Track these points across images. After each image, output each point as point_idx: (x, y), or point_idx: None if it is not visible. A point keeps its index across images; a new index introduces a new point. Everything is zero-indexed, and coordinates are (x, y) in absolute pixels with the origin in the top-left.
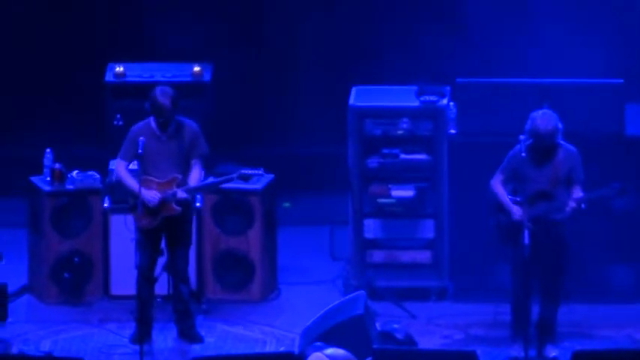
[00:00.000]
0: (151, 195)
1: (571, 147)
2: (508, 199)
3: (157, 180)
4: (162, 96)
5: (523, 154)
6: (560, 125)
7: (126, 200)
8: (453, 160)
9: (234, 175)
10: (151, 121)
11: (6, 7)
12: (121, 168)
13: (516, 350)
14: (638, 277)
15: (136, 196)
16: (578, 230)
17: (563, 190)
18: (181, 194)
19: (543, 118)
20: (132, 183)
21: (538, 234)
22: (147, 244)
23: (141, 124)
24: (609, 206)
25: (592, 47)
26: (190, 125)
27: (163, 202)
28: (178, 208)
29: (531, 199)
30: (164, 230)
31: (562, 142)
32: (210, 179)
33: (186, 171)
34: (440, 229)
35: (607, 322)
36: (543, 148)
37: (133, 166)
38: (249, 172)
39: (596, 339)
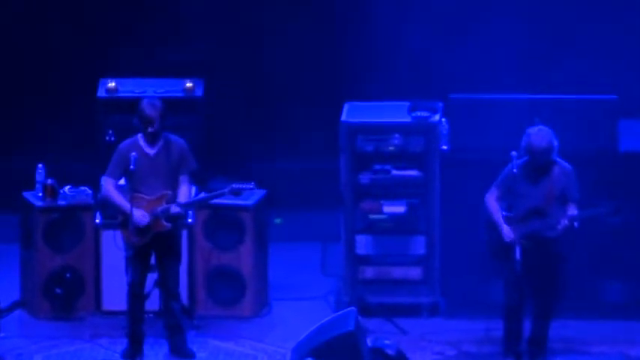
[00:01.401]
0: (140, 216)
1: (566, 164)
2: (501, 217)
3: (146, 197)
4: (150, 106)
5: (515, 171)
6: (555, 142)
7: (116, 216)
8: (445, 176)
9: (226, 190)
10: (139, 139)
11: None
12: (109, 186)
13: None
14: (631, 293)
15: (125, 213)
16: (571, 246)
17: (558, 208)
18: (175, 209)
19: (538, 135)
20: (121, 201)
21: (530, 251)
22: (137, 260)
23: (128, 141)
24: (603, 222)
25: (585, 63)
26: (178, 142)
27: (153, 219)
28: (168, 225)
29: (525, 216)
30: (154, 246)
31: (558, 159)
32: (202, 194)
33: (174, 187)
34: (431, 245)
35: (600, 339)
36: (538, 165)
37: (121, 182)
38: (241, 186)
39: (588, 355)
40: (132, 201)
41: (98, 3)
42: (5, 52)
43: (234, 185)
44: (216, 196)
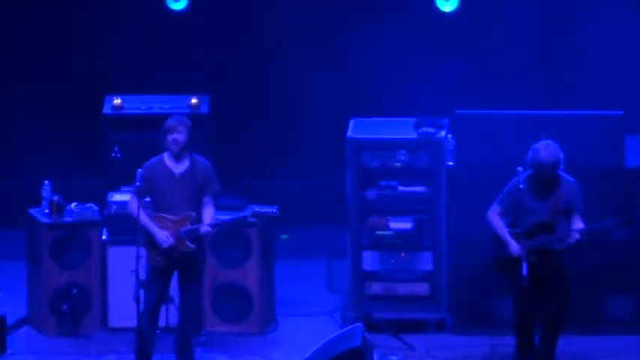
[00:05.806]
0: (164, 237)
1: (569, 177)
2: (506, 232)
3: (170, 217)
4: (179, 121)
5: (521, 186)
6: (561, 156)
7: (125, 232)
8: (451, 192)
9: (249, 214)
10: (165, 157)
11: (4, 39)
12: (134, 205)
13: None
14: (636, 308)
15: (150, 233)
16: (577, 260)
17: (563, 221)
18: (205, 229)
19: (546, 149)
20: (146, 221)
21: (538, 265)
22: (158, 280)
23: (154, 160)
24: (608, 236)
25: (591, 79)
26: (204, 163)
27: (177, 240)
28: (192, 246)
29: (532, 231)
30: (176, 267)
31: (561, 172)
32: (226, 217)
33: (198, 208)
34: (438, 261)
35: (606, 354)
36: (545, 179)
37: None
38: (263, 210)
39: None
40: (156, 221)
41: (103, 20)
42: (11, 68)
43: (256, 209)
44: (241, 221)
